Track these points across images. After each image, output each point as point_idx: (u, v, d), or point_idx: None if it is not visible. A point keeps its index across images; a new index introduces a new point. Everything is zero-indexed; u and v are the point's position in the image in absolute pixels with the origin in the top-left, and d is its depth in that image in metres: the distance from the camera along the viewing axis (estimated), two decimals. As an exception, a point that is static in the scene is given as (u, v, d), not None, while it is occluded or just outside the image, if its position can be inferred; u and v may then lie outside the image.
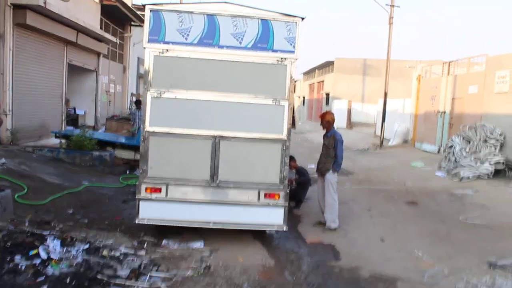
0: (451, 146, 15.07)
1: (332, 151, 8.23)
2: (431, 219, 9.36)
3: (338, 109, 34.62)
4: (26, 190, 8.37)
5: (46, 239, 5.83)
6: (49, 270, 5.05)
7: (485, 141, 14.27)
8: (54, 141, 14.47)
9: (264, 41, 6.57)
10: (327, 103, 44.71)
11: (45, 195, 8.45)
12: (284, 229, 6.80)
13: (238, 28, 6.54)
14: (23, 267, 5.00)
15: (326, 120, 8.41)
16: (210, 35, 6.51)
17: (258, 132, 6.65)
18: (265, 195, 6.66)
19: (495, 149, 14.05)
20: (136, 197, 6.63)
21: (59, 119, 16.45)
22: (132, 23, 24.60)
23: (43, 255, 5.36)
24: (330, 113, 8.58)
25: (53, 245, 5.69)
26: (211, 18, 6.50)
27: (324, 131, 8.55)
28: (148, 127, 6.53)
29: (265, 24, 6.57)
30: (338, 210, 8.33)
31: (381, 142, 23.63)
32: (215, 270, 5.77)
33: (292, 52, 6.62)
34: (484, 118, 15.53)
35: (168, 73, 6.54)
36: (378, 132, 25.75)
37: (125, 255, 5.92)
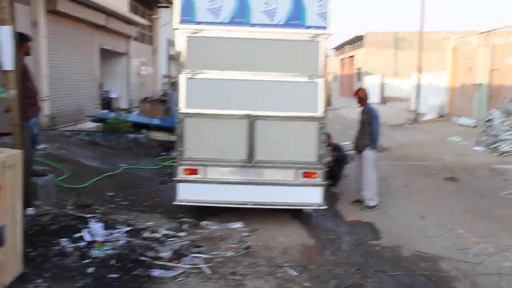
0: (489, 120, 14.63)
1: (368, 127, 8.09)
2: (471, 195, 9.15)
3: (371, 84, 34.06)
4: (66, 174, 8.54)
5: (89, 222, 5.95)
6: (94, 252, 5.15)
7: (527, 113, 13.79)
8: (90, 125, 14.72)
9: (296, 17, 6.44)
10: (358, 78, 43.98)
11: (85, 178, 8.61)
12: (323, 208, 6.75)
13: (269, 5, 6.42)
14: (70, 250, 5.10)
15: (359, 97, 8.27)
16: (241, 14, 6.41)
17: (293, 110, 6.57)
18: (303, 174, 6.60)
19: (538, 121, 13.57)
20: (174, 178, 6.67)
21: (94, 103, 16.70)
22: (160, 4, 24.57)
23: (87, 237, 5.47)
24: (362, 89, 8.44)
25: (96, 228, 5.81)
26: None
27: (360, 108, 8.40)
28: (183, 109, 6.53)
29: (296, 0, 6.42)
30: (376, 187, 8.22)
31: (416, 117, 23.17)
32: (255, 250, 5.78)
33: (325, 28, 6.48)
34: (524, 89, 14.99)
35: (201, 53, 6.50)
36: (412, 107, 25.24)
37: (166, 236, 5.98)
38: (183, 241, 5.84)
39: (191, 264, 5.17)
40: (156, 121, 14.28)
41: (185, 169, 6.60)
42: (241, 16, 6.41)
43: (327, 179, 7.16)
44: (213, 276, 4.95)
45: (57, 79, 13.59)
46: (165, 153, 12.25)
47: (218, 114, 6.57)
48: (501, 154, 12.97)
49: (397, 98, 35.78)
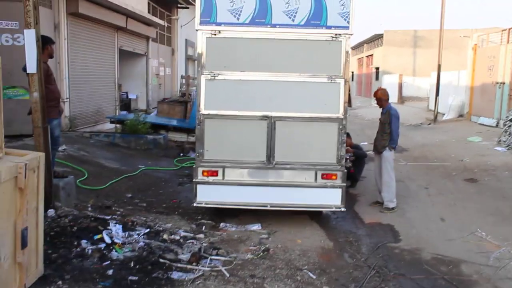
0: (511, 119, 14.38)
1: (387, 127, 8.01)
2: (492, 196, 9.00)
3: (389, 83, 33.76)
4: (86, 175, 8.65)
5: (109, 224, 6.00)
6: (114, 254, 5.19)
7: (550, 112, 13.53)
8: (109, 126, 14.88)
9: (317, 17, 6.40)
10: (377, 78, 43.66)
11: (104, 180, 8.71)
12: (342, 210, 6.70)
13: (290, 5, 6.39)
14: (90, 251, 5.15)
15: (378, 97, 8.20)
16: (262, 14, 6.40)
17: (313, 111, 6.54)
18: (322, 175, 6.57)
19: (561, 121, 13.31)
20: (193, 180, 6.70)
21: (113, 104, 16.87)
22: (179, 5, 24.71)
23: (107, 239, 5.51)
24: (381, 89, 8.35)
25: (116, 230, 5.85)
26: None
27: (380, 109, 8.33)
28: (203, 110, 6.55)
29: (318, 0, 6.39)
30: (395, 188, 8.15)
31: (435, 117, 22.88)
32: (274, 252, 5.77)
33: (347, 27, 6.42)
34: (548, 88, 14.70)
35: (221, 54, 6.51)
36: (432, 106, 24.93)
37: (185, 238, 6.00)
38: (202, 243, 5.85)
39: (210, 267, 5.18)
40: (174, 122, 14.37)
41: (204, 171, 6.61)
42: (262, 17, 6.40)
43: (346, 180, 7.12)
44: (232, 279, 4.95)
45: (77, 80, 13.76)
46: (183, 154, 12.31)
47: (238, 116, 6.57)
48: (524, 154, 12.74)
49: (416, 97, 35.44)
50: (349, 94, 6.85)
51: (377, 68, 43.81)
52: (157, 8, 22.54)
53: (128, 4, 15.92)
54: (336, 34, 6.44)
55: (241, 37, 6.48)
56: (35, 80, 5.90)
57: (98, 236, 5.54)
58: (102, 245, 5.34)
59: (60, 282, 4.45)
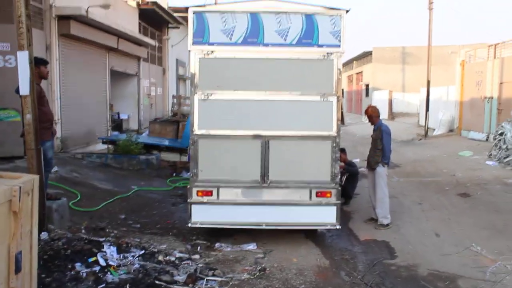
0: (501, 133, 14.54)
1: (379, 143, 8.09)
2: (486, 210, 9.05)
3: (379, 99, 34.06)
4: (79, 197, 8.58)
5: (103, 246, 5.94)
6: (109, 277, 5.13)
7: (539, 126, 13.69)
8: (101, 147, 14.81)
9: (309, 36, 6.48)
10: (366, 94, 44.02)
11: (98, 201, 8.64)
12: (337, 227, 6.70)
13: (282, 24, 6.47)
14: (84, 275, 5.09)
15: (369, 115, 8.30)
16: (254, 34, 6.47)
17: (307, 129, 6.58)
18: (317, 193, 6.58)
19: (550, 134, 13.46)
20: (188, 200, 6.67)
21: (105, 125, 16.82)
22: (169, 25, 24.85)
23: (102, 262, 5.45)
24: (371, 107, 8.46)
25: (110, 252, 5.80)
26: (254, 16, 6.45)
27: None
28: (197, 130, 6.56)
29: (309, 19, 6.47)
30: (389, 204, 8.16)
31: (426, 132, 23.05)
32: (270, 272, 5.73)
33: (338, 46, 6.51)
34: (536, 102, 14.90)
35: (214, 74, 6.55)
36: (422, 122, 25.14)
37: (180, 259, 5.95)
38: (197, 264, 5.81)
39: (206, 288, 5.14)
40: (166, 142, 14.35)
41: (199, 191, 6.59)
42: (254, 37, 6.47)
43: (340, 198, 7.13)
44: (229, 300, 4.91)
45: (69, 101, 13.72)
46: (176, 174, 12.27)
47: (232, 135, 6.59)
48: (514, 168, 12.84)
49: (406, 113, 35.70)
50: (342, 112, 6.90)
51: (367, 85, 44.18)
52: (147, 28, 22.66)
53: (119, 24, 15.99)
54: (328, 53, 6.51)
55: (233, 57, 6.54)
56: (28, 102, 5.88)
57: (93, 259, 5.48)
58: (97, 268, 5.28)
59: (54, 307, 4.39)
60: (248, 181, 6.64)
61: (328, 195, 6.60)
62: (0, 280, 3.81)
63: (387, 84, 39.08)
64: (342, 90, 56.24)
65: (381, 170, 8.11)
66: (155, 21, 23.05)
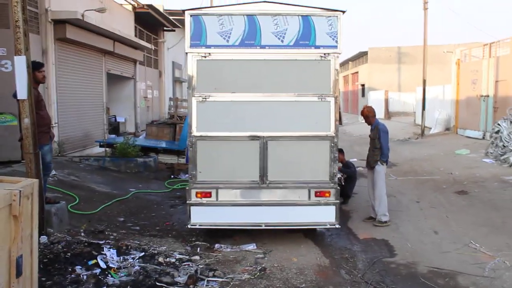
0: (497, 131, 14.60)
1: (377, 142, 8.14)
2: (483, 208, 9.08)
3: (375, 99, 34.16)
4: (77, 200, 8.58)
5: (103, 248, 5.94)
6: (110, 280, 5.13)
7: (535, 123, 13.76)
8: (98, 150, 14.81)
9: (306, 38, 6.50)
10: (363, 94, 44.13)
11: (96, 204, 8.64)
12: (337, 227, 6.73)
13: (279, 26, 6.49)
14: (85, 277, 5.09)
15: (365, 115, 8.35)
16: (251, 36, 6.48)
17: (305, 130, 6.60)
18: (316, 193, 6.60)
19: (546, 131, 13.53)
20: (187, 202, 6.67)
21: (102, 128, 16.82)
22: (165, 28, 24.88)
23: (102, 264, 5.46)
24: (366, 107, 8.52)
25: (110, 254, 5.80)
26: (251, 19, 6.47)
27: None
28: (195, 132, 6.57)
29: (306, 20, 6.49)
30: (387, 203, 8.20)
31: (422, 131, 23.14)
32: (271, 272, 5.74)
33: (335, 47, 6.53)
34: (531, 99, 14.98)
35: (212, 76, 6.56)
36: (418, 121, 25.24)
37: (180, 260, 5.95)
38: (198, 265, 5.81)
39: (207, 289, 5.15)
40: (164, 144, 14.35)
41: (198, 193, 6.60)
42: (251, 39, 6.48)
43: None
44: (230, 300, 4.92)
45: (65, 105, 13.74)
46: (174, 176, 12.28)
47: (230, 136, 6.61)
48: (511, 165, 12.89)
49: (402, 112, 35.85)
50: (339, 112, 6.93)
51: (363, 85, 44.29)
52: (143, 32, 22.68)
53: (115, 28, 16.01)
54: (325, 54, 6.54)
55: (231, 59, 6.55)
56: (25, 106, 5.88)
57: (93, 262, 5.49)
58: (97, 271, 5.29)
59: (56, 310, 4.39)
60: (247, 182, 6.66)
61: (327, 194, 6.62)
62: (1, 284, 3.81)
63: (383, 84, 39.20)
64: (340, 90, 56.54)
65: (380, 168, 8.15)
66: (151, 24, 23.08)
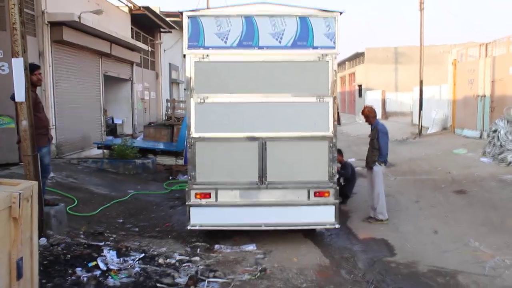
0: (495, 130, 14.61)
1: (376, 143, 8.19)
2: (482, 207, 9.10)
3: (372, 99, 34.19)
4: (76, 202, 8.56)
5: (103, 250, 5.93)
6: (110, 281, 5.12)
7: (532, 122, 13.79)
8: (95, 152, 14.78)
9: (303, 38, 6.51)
10: (360, 95, 44.17)
11: (95, 206, 8.62)
12: (336, 227, 6.73)
13: (277, 27, 6.49)
14: (85, 279, 5.08)
15: (365, 115, 8.39)
16: (249, 37, 6.48)
17: (304, 130, 6.60)
18: (315, 193, 6.60)
19: (543, 130, 13.56)
20: (186, 203, 6.66)
21: (99, 130, 16.78)
22: (161, 29, 24.85)
23: (102, 266, 5.44)
24: (367, 107, 8.59)
25: (110, 256, 5.79)
26: (248, 20, 6.47)
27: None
28: (194, 133, 6.56)
29: (304, 21, 6.50)
30: (386, 203, 8.24)
31: (420, 131, 23.15)
32: (271, 272, 5.73)
33: (333, 47, 6.54)
34: (528, 99, 15.02)
35: (210, 78, 6.56)
36: (416, 121, 25.25)
37: (181, 261, 5.95)
38: (198, 266, 5.80)
39: (208, 290, 5.14)
40: (162, 146, 14.34)
41: (197, 194, 6.59)
42: (249, 40, 6.48)
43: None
44: (231, 301, 4.91)
45: (63, 107, 13.70)
46: (172, 177, 12.27)
47: (229, 137, 6.61)
48: (508, 164, 12.92)
49: (400, 112, 35.86)
50: (338, 112, 6.93)
51: (360, 85, 44.33)
52: (140, 33, 22.66)
53: (112, 30, 15.98)
54: (323, 54, 6.54)
55: (229, 60, 6.55)
56: (23, 108, 5.87)
57: (93, 263, 5.48)
58: (98, 272, 5.28)
59: (56, 313, 4.37)
60: (246, 182, 6.65)
61: (326, 194, 6.62)
62: (2, 286, 3.79)
63: (380, 84, 39.24)
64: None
65: (378, 169, 8.19)
66: (147, 26, 23.06)
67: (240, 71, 6.59)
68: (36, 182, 4.53)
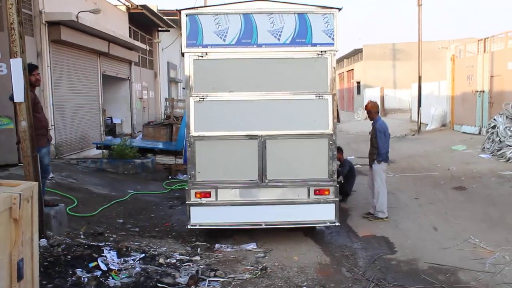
0: (494, 126, 14.64)
1: (375, 141, 8.18)
2: (482, 203, 9.10)
3: (371, 96, 34.09)
4: (76, 202, 8.55)
5: (103, 251, 5.93)
6: (111, 282, 5.12)
7: (531, 118, 13.80)
8: (95, 152, 14.77)
9: (302, 35, 6.50)
10: (358, 92, 44.15)
11: (94, 206, 8.61)
12: (336, 224, 6.73)
13: (275, 24, 6.48)
14: (86, 280, 5.07)
15: (368, 110, 8.41)
16: (247, 35, 6.48)
17: (303, 128, 6.60)
18: (315, 191, 6.60)
19: (542, 125, 13.57)
20: (186, 202, 6.66)
21: (98, 130, 16.76)
22: (159, 28, 24.82)
23: (103, 266, 5.44)
24: (371, 102, 8.62)
25: (111, 256, 5.79)
26: (247, 17, 6.46)
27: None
28: (193, 132, 6.56)
29: (302, 18, 6.49)
30: (386, 200, 8.23)
31: (419, 127, 23.15)
32: (272, 271, 5.74)
33: (332, 44, 6.53)
34: (527, 94, 15.03)
35: (209, 76, 6.55)
36: (414, 117, 25.26)
37: (181, 261, 5.95)
38: (198, 265, 5.80)
39: (209, 289, 5.14)
40: (161, 145, 14.32)
41: (197, 193, 6.59)
42: (248, 37, 6.47)
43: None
44: (232, 300, 4.91)
45: (61, 107, 13.68)
46: (172, 177, 12.26)
47: (228, 136, 6.60)
48: (508, 160, 12.93)
49: (398, 109, 35.89)
50: (337, 110, 6.93)
51: (358, 82, 44.32)
52: (138, 32, 22.62)
53: (109, 29, 15.95)
54: (321, 51, 6.53)
55: (228, 58, 6.54)
56: (23, 109, 5.85)
57: (93, 264, 5.47)
58: (98, 273, 5.27)
59: (58, 313, 4.37)
60: (246, 181, 6.65)
61: (326, 192, 6.62)
62: (2, 288, 3.79)
63: (378, 81, 39.22)
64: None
65: (377, 167, 8.19)
66: (145, 25, 23.03)
67: (239, 69, 6.58)
68: (36, 183, 4.53)
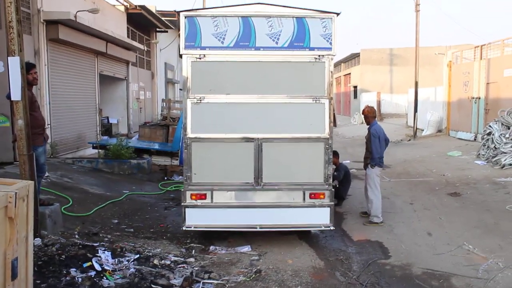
0: (489, 133, 14.70)
1: (369, 146, 8.24)
2: (476, 209, 9.13)
3: (367, 101, 34.20)
4: (71, 202, 8.52)
5: (97, 251, 5.91)
6: (105, 282, 5.11)
7: (526, 125, 13.87)
8: (91, 152, 14.75)
9: (300, 39, 6.52)
10: (355, 96, 44.24)
11: (89, 206, 8.59)
12: (331, 228, 6.74)
13: (274, 28, 6.50)
14: (80, 280, 5.06)
15: (365, 114, 8.47)
16: (246, 38, 6.49)
17: (300, 132, 6.61)
18: (310, 195, 6.61)
19: (537, 133, 13.64)
20: (182, 204, 6.66)
21: (94, 129, 16.75)
22: (157, 29, 24.82)
23: (97, 267, 5.43)
24: (367, 107, 8.66)
25: (105, 256, 5.77)
26: (245, 20, 6.48)
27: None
28: (190, 134, 6.56)
29: (300, 22, 6.51)
30: (380, 205, 8.26)
31: (415, 133, 23.23)
32: (266, 274, 5.75)
33: (329, 48, 6.56)
34: (522, 102, 15.11)
35: (207, 78, 6.56)
36: (410, 123, 25.34)
37: (176, 263, 5.95)
38: (193, 267, 5.80)
39: (203, 291, 5.14)
40: (157, 146, 14.31)
41: (193, 194, 6.59)
42: (246, 40, 6.49)
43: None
44: (226, 302, 4.91)
45: (58, 106, 13.67)
46: (167, 178, 12.25)
47: (225, 138, 6.61)
48: (502, 167, 12.99)
49: (395, 114, 35.99)
50: (334, 114, 6.96)
51: (355, 87, 44.42)
52: (136, 33, 22.62)
53: (107, 29, 15.96)
54: (319, 55, 6.55)
55: (226, 61, 6.55)
56: (19, 107, 5.84)
57: (88, 264, 5.45)
58: (92, 273, 5.26)
59: (51, 313, 4.36)
60: (242, 183, 6.66)
61: (322, 196, 6.64)
62: (-4, 286, 3.78)
63: (375, 85, 39.34)
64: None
65: (370, 172, 8.24)
66: (143, 25, 23.03)
67: (237, 71, 6.59)
68: (32, 182, 4.52)
